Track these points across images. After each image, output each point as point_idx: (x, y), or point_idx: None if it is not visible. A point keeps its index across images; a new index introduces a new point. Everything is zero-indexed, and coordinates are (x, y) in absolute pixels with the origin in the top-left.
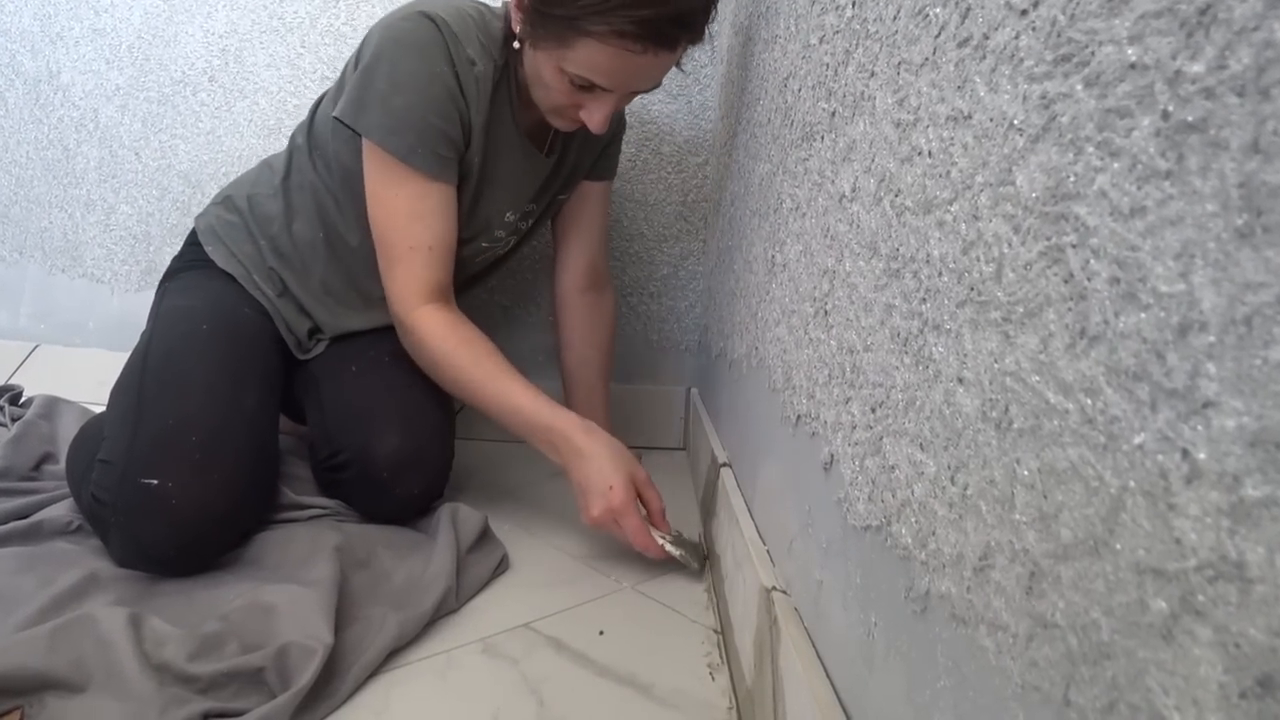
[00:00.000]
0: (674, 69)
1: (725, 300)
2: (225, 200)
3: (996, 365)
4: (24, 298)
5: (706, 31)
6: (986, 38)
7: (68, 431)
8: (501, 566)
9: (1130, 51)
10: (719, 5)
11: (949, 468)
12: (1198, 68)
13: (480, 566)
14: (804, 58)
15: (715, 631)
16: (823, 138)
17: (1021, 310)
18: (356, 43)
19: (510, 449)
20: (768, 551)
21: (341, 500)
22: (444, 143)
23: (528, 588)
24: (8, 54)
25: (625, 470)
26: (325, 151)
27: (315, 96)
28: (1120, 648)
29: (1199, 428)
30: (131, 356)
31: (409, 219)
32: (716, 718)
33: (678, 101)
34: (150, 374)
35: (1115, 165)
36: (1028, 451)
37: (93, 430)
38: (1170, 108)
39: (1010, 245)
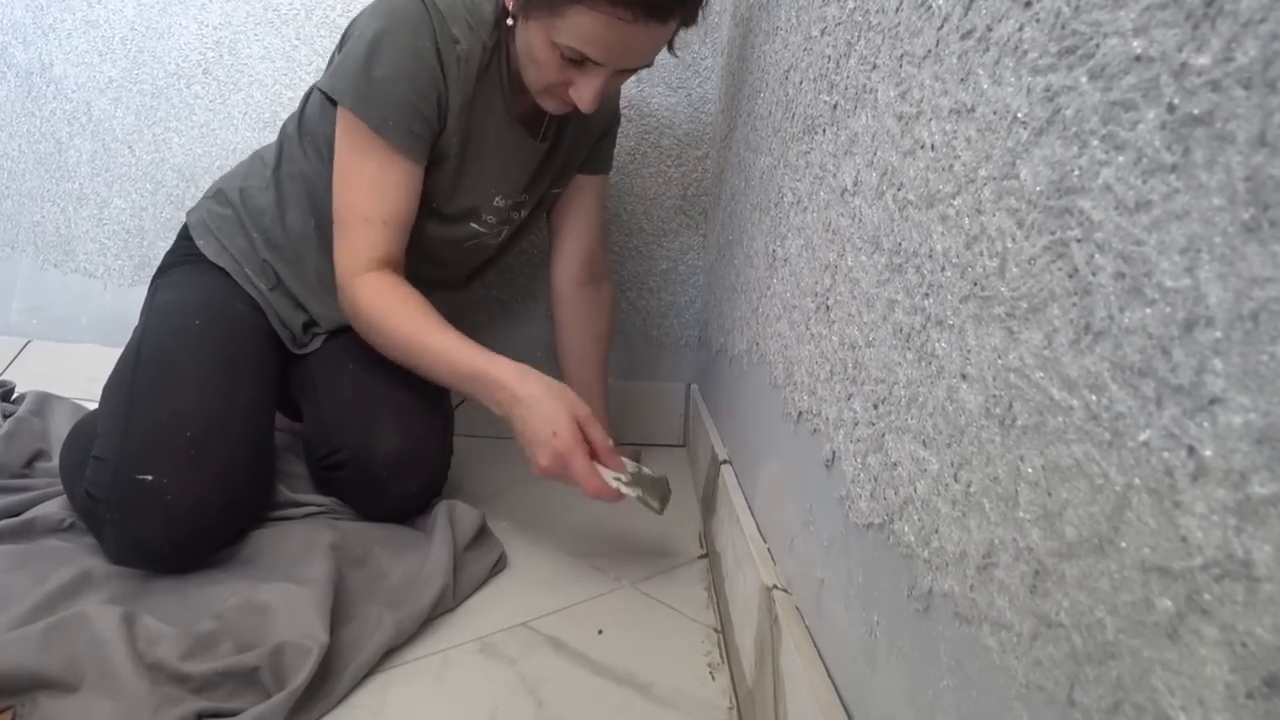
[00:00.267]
0: (670, 55)
1: (726, 295)
2: (217, 194)
3: (1000, 361)
4: (15, 293)
5: (700, 14)
6: (990, 30)
7: (60, 428)
8: (499, 565)
9: (1135, 43)
10: None
11: (952, 465)
12: (1204, 60)
13: (478, 565)
14: (805, 50)
15: (715, 630)
16: (824, 131)
17: (1025, 305)
18: None
19: (509, 446)
20: (769, 550)
21: (338, 498)
22: (418, 119)
23: (526, 586)
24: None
25: (567, 411)
26: (315, 137)
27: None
28: (1125, 647)
29: (1205, 424)
30: (124, 352)
31: (369, 190)
32: (717, 718)
33: (678, 94)
34: (143, 370)
35: (1120, 159)
36: (1032, 448)
37: (86, 427)
38: (1176, 100)
39: (1014, 240)
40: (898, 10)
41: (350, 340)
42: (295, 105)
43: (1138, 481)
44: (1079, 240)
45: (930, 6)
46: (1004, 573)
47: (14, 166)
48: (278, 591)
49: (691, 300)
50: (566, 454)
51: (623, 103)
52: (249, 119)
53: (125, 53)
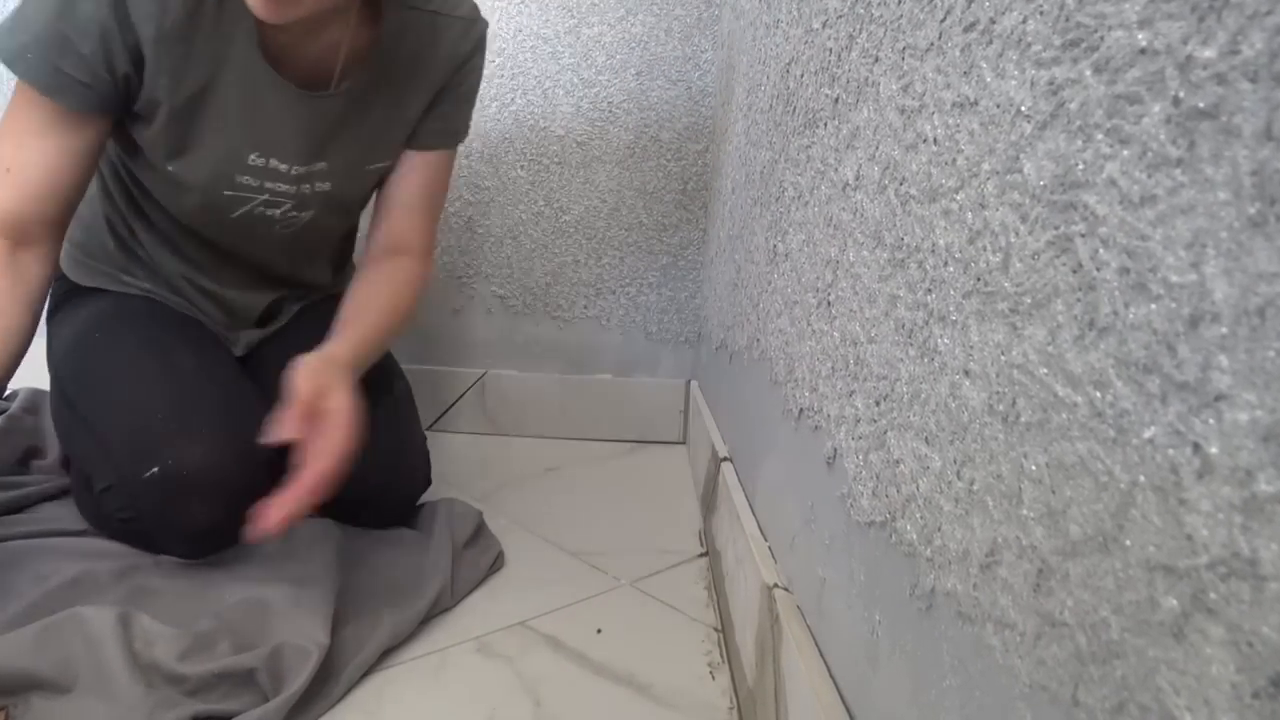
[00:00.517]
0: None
1: (726, 291)
2: (76, 218)
3: (1003, 357)
4: None
5: None
6: (993, 22)
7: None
8: (497, 564)
9: (1140, 36)
10: None
11: (955, 462)
12: (1209, 53)
13: (475, 564)
14: (806, 43)
15: (716, 630)
16: (826, 124)
17: (1029, 301)
18: None
19: (507, 443)
20: (769, 548)
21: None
22: (71, 59)
23: (524, 585)
24: None
25: None
26: (109, 145)
27: None
28: (1130, 646)
29: (1211, 421)
30: (52, 404)
31: (5, 133)
32: (717, 718)
33: (677, 87)
34: (78, 399)
35: (1125, 153)
36: (1035, 446)
37: (77, 474)
38: (1181, 94)
39: (1017, 234)
40: (900, 3)
41: (290, 339)
42: None
43: (1142, 479)
44: (1083, 235)
45: None
46: (1007, 571)
47: None
48: (279, 591)
49: (691, 296)
50: None
51: (621, 95)
52: None
53: None
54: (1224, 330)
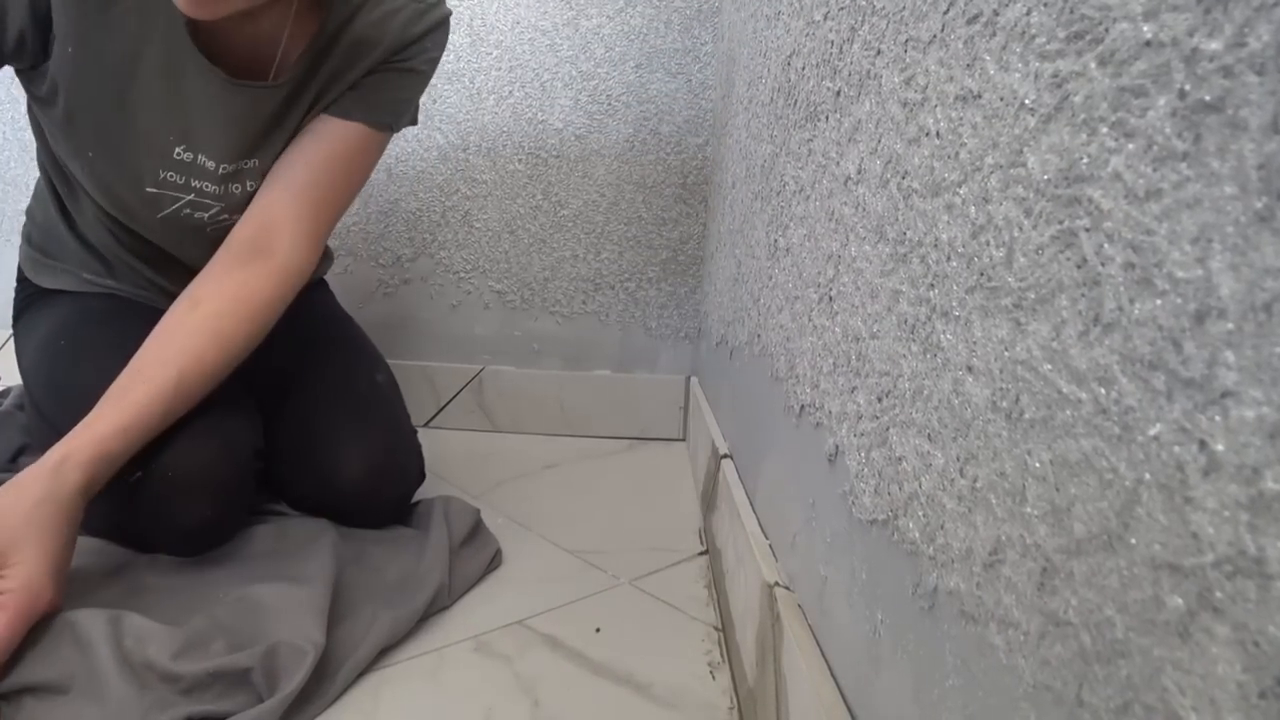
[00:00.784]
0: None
1: (726, 286)
2: (29, 211)
3: (1007, 353)
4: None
5: None
6: (997, 14)
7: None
8: (494, 562)
9: (1146, 28)
10: None
11: (958, 459)
12: (1216, 45)
13: (473, 562)
14: (808, 35)
15: (716, 629)
16: (827, 118)
17: (1033, 296)
18: None
19: (504, 440)
20: (770, 546)
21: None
22: None
23: (522, 584)
24: None
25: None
26: (45, 127)
27: None
28: (1135, 646)
29: (1217, 418)
30: (27, 415)
31: None
32: (717, 718)
33: (677, 80)
34: (51, 412)
35: (1130, 146)
36: (1039, 443)
37: None
38: (1187, 86)
39: (1021, 229)
40: None
41: (274, 343)
42: None
43: (1148, 477)
44: (1088, 230)
45: None
46: (1011, 570)
47: None
48: (274, 590)
49: (691, 291)
50: None
51: (620, 88)
52: None
53: None
54: (1230, 326)
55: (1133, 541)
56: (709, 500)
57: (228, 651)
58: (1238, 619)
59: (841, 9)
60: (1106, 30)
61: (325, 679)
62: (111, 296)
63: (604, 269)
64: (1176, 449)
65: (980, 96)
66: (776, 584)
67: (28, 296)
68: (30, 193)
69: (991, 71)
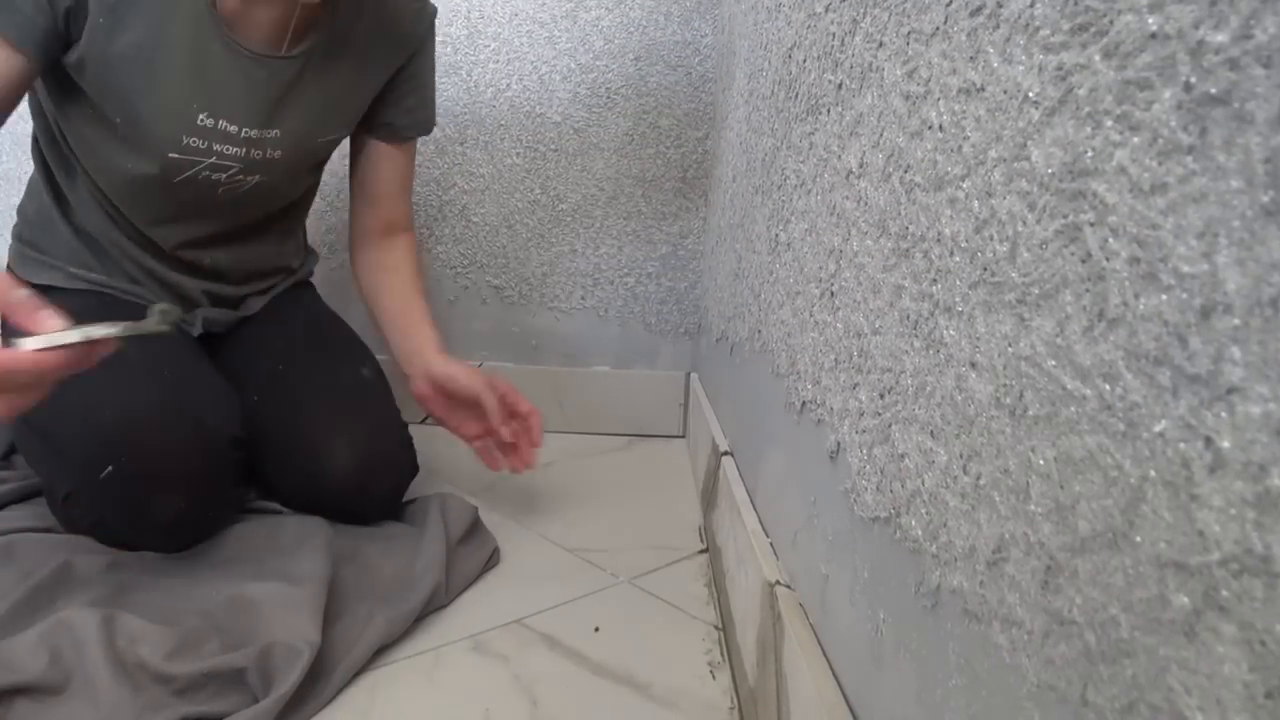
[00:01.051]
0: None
1: (727, 281)
2: (20, 208)
3: (1011, 349)
4: None
5: None
6: (1000, 6)
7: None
8: (492, 560)
9: (1151, 20)
10: None
11: (961, 456)
12: (1221, 38)
13: (470, 560)
14: (809, 27)
15: (716, 628)
16: (829, 111)
17: (1037, 292)
18: None
19: None
20: (771, 544)
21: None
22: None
23: (520, 582)
24: None
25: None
26: (46, 107)
27: None
28: (1140, 645)
29: (1223, 414)
30: (13, 424)
31: None
32: (718, 718)
33: (677, 73)
34: (31, 411)
35: (1135, 140)
36: (1043, 440)
37: (46, 492)
38: (1193, 79)
39: (1025, 224)
40: None
41: (259, 327)
42: None
43: (1153, 474)
44: (1092, 224)
45: None
46: (1015, 568)
47: None
48: (268, 589)
49: (691, 286)
50: None
51: (620, 81)
52: None
53: None
54: (1236, 321)
55: (1138, 539)
56: (709, 498)
57: (222, 651)
58: (1244, 618)
59: (843, 1)
60: (1111, 22)
61: (320, 679)
62: (99, 295)
63: (603, 264)
64: (1182, 446)
65: (983, 89)
66: (777, 582)
67: None
68: (23, 187)
69: (995, 64)
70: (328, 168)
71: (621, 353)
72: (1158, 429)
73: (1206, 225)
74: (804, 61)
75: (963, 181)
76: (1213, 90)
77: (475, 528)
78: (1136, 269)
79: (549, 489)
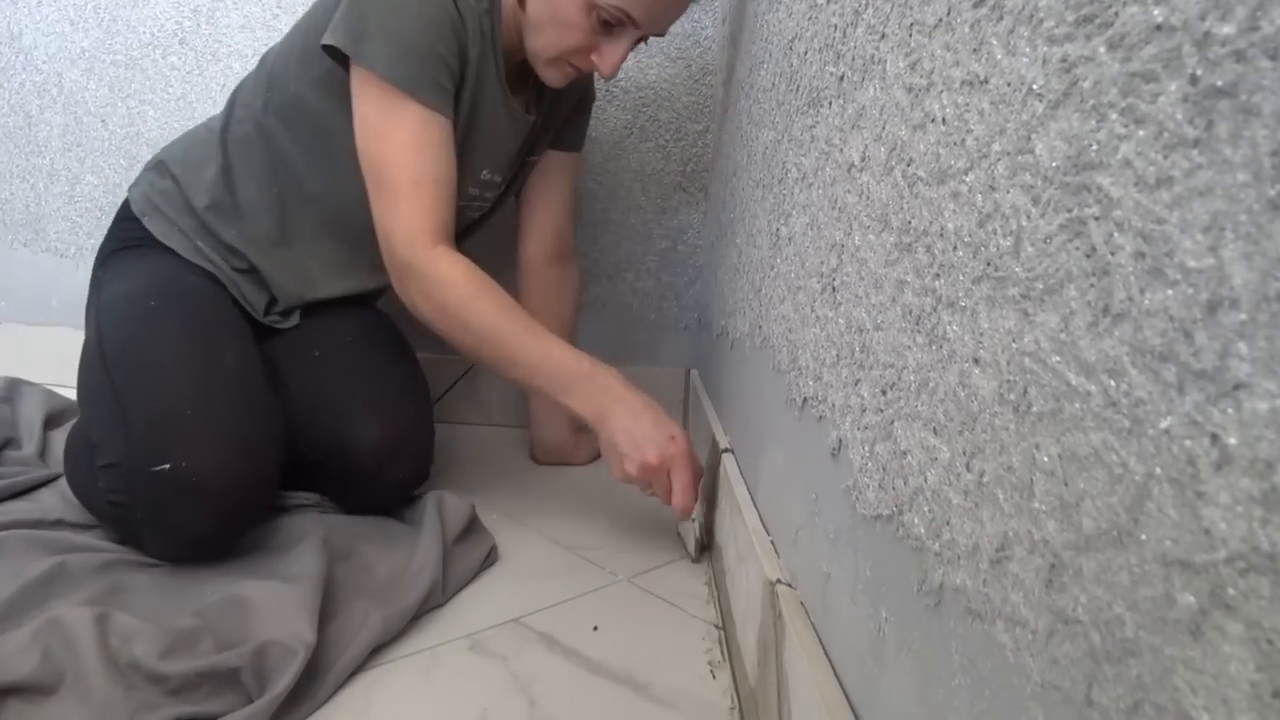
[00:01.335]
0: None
1: (727, 276)
2: (158, 165)
3: (1014, 345)
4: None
5: None
6: None
7: (31, 415)
8: (490, 558)
9: (1156, 12)
10: None
11: (964, 453)
12: (1228, 29)
13: (467, 558)
14: (810, 19)
15: (716, 627)
16: (830, 104)
17: (1041, 287)
18: None
19: (500, 434)
20: (772, 542)
21: (319, 494)
22: (445, 72)
23: (518, 580)
24: None
25: (678, 421)
26: (285, 96)
27: None
28: (1146, 644)
29: (1229, 411)
30: (85, 357)
31: (413, 151)
32: (718, 718)
33: (677, 65)
34: (115, 365)
35: (1140, 133)
36: (1047, 436)
37: (79, 440)
38: (1199, 72)
39: (1029, 218)
40: None
41: (315, 325)
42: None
43: (1158, 471)
44: (1097, 218)
45: None
46: (1018, 567)
47: None
48: (262, 588)
49: (691, 281)
50: (678, 457)
51: (619, 74)
52: (227, 91)
53: (98, 21)
54: (1243, 317)
55: (1143, 537)
56: (710, 495)
57: (216, 651)
58: (1251, 617)
59: None
60: (1116, 14)
61: (316, 679)
62: (210, 278)
63: (601, 259)
64: (1188, 442)
65: (987, 82)
66: (778, 581)
67: (126, 240)
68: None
69: (999, 56)
70: None
71: (620, 348)
72: (1163, 425)
73: (1213, 219)
74: (805, 53)
75: (966, 175)
76: (1219, 83)
77: (473, 526)
78: (1142, 264)
79: (547, 486)
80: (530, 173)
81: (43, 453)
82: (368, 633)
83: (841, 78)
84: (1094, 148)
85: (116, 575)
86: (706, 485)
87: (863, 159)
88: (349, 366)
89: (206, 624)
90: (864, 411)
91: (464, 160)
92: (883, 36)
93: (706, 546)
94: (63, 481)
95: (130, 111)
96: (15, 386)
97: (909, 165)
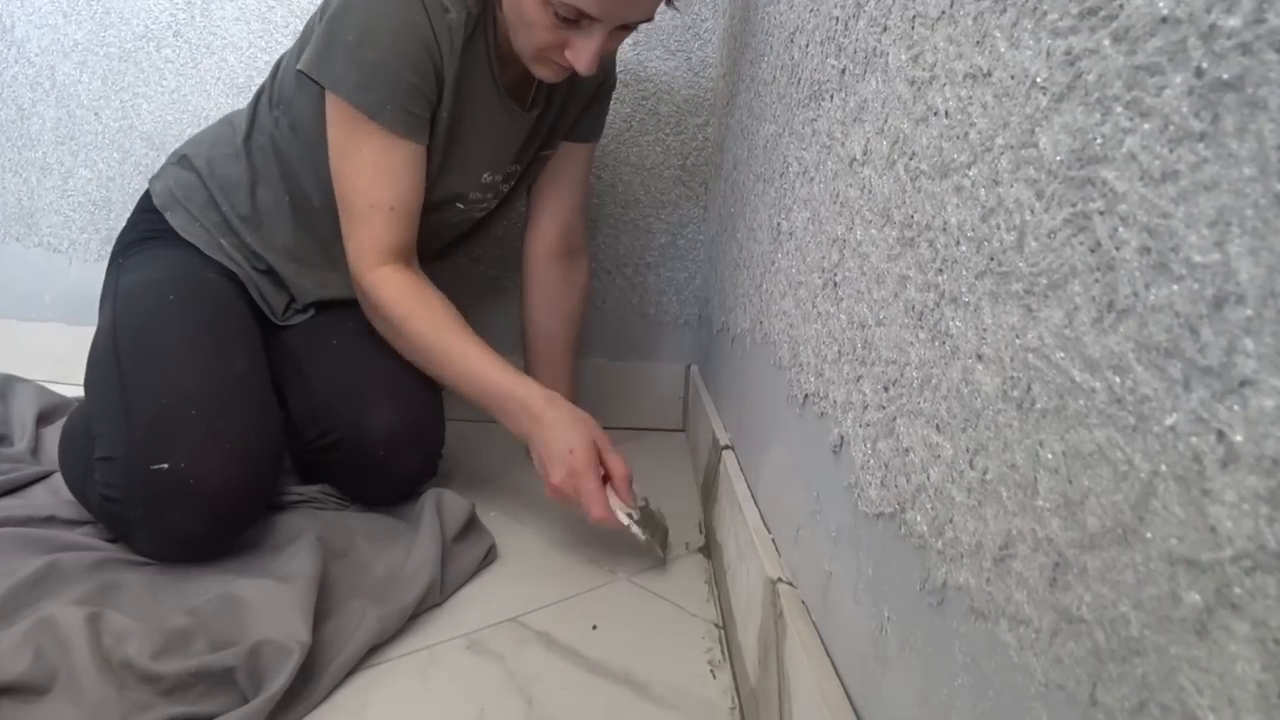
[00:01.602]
0: (670, 9)
1: (727, 271)
2: (181, 160)
3: (1018, 341)
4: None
5: None
6: None
7: (23, 412)
8: (489, 557)
9: (1161, 4)
10: None
11: (967, 450)
12: (1234, 22)
13: (466, 557)
14: (812, 11)
15: (717, 626)
16: (832, 97)
17: (1045, 282)
18: None
19: (499, 432)
20: (773, 541)
21: (330, 483)
22: (416, 99)
23: (516, 579)
24: None
25: (586, 433)
26: (290, 108)
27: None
28: (1151, 644)
29: (1235, 408)
30: (97, 343)
31: (373, 176)
32: (718, 718)
33: (676, 58)
34: (126, 356)
35: (1145, 126)
36: (1052, 433)
37: (78, 429)
38: (1204, 64)
39: (1033, 212)
40: None
41: (330, 315)
42: (270, 69)
43: (1164, 468)
44: (1102, 213)
45: None
46: (1022, 565)
47: None
48: (257, 587)
49: (691, 276)
50: (580, 471)
51: (618, 67)
52: (222, 84)
53: (91, 13)
54: (1249, 312)
55: (1148, 535)
56: (709, 493)
57: (210, 650)
58: (1257, 616)
59: None
60: (1121, 6)
61: (312, 678)
62: (231, 277)
63: (600, 254)
64: (1193, 439)
65: (990, 74)
66: (779, 579)
67: (147, 232)
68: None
69: (1002, 48)
70: None
71: (620, 345)
72: (1169, 422)
73: (1218, 214)
74: (807, 46)
75: (969, 169)
76: (1225, 76)
77: (471, 524)
78: (1147, 258)
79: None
80: (544, 166)
81: (35, 450)
82: (364, 632)
83: (843, 71)
84: (1098, 141)
85: (109, 574)
86: (705, 483)
87: (865, 153)
88: (366, 355)
89: (200, 623)
90: (866, 408)
91: (463, 167)
92: (885, 29)
93: (666, 543)
94: (55, 478)
95: (124, 105)
96: (7, 383)
97: (911, 159)
